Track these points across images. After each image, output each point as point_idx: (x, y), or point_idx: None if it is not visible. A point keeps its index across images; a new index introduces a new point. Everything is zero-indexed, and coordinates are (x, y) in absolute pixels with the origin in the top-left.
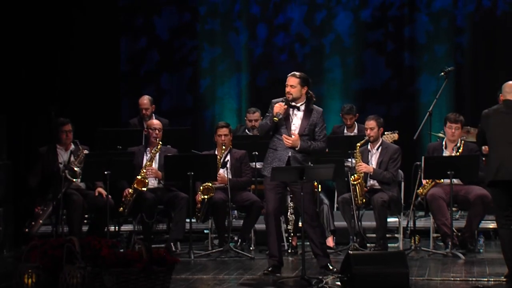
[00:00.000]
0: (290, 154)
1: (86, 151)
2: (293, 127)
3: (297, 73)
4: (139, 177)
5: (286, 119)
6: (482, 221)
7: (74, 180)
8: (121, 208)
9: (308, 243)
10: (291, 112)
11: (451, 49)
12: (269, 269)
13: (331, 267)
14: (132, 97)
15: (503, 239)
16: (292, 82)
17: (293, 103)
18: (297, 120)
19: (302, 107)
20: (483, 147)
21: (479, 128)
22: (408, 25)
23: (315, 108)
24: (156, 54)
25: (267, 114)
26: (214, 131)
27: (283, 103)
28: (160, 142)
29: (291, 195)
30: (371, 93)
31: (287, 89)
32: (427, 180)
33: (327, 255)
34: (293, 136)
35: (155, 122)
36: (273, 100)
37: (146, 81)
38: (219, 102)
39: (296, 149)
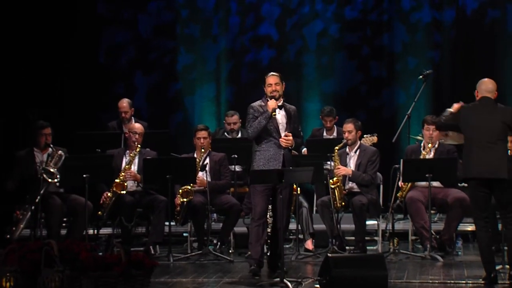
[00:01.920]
0: (283, 152)
1: (61, 152)
2: (280, 126)
3: (275, 72)
4: (118, 180)
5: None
6: (461, 224)
7: (50, 180)
8: (100, 211)
9: (288, 245)
10: (276, 111)
11: (422, 63)
12: (252, 268)
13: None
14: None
15: (481, 242)
16: (276, 80)
17: (278, 102)
18: (282, 118)
19: (283, 105)
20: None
21: (453, 117)
22: (387, 32)
23: (290, 106)
24: (133, 50)
25: (251, 117)
26: (193, 134)
27: (275, 100)
28: (139, 145)
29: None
30: (337, 97)
31: (272, 87)
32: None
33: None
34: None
35: (137, 126)
36: (252, 104)
37: (119, 77)
38: (197, 105)
39: (291, 147)
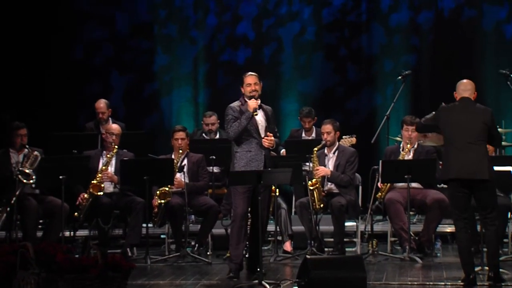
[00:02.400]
0: (264, 153)
1: (36, 153)
2: (260, 126)
3: (253, 72)
4: (94, 181)
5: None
6: (439, 225)
7: (26, 181)
8: (76, 213)
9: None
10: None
11: (398, 67)
12: (231, 274)
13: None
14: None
15: (460, 243)
16: (255, 80)
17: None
18: (261, 118)
19: (261, 105)
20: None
21: (433, 118)
22: (365, 33)
23: (266, 106)
24: (111, 49)
25: (231, 118)
26: (171, 135)
27: (255, 100)
28: (116, 146)
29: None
30: (314, 97)
31: (251, 87)
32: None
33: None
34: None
35: (114, 127)
36: (230, 105)
37: (95, 75)
38: (175, 105)
39: (272, 148)
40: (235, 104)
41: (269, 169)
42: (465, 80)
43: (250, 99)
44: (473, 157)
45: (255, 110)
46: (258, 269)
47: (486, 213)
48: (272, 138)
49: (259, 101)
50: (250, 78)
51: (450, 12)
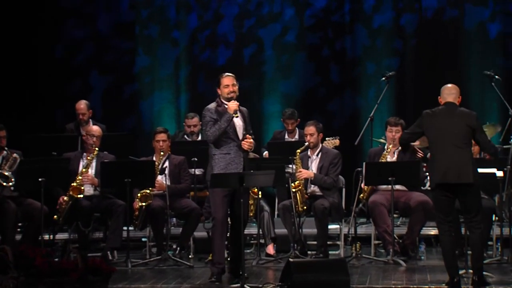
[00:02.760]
0: (243, 156)
1: (16, 155)
2: (238, 128)
3: (230, 73)
4: (74, 184)
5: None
6: (423, 228)
7: (4, 184)
8: (56, 216)
9: (249, 250)
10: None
11: (379, 69)
12: (214, 277)
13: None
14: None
15: (444, 246)
16: (233, 81)
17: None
18: (239, 120)
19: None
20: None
21: (417, 125)
22: (349, 34)
23: (242, 108)
24: (92, 48)
25: (209, 120)
26: (152, 137)
27: (235, 102)
28: (97, 148)
29: None
30: (295, 98)
31: (229, 88)
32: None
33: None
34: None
35: (95, 129)
36: (208, 107)
37: (75, 75)
38: (156, 107)
39: (251, 150)
40: (212, 106)
41: (252, 171)
42: (449, 85)
43: (228, 100)
44: (458, 161)
45: (235, 112)
46: (241, 273)
47: (471, 217)
48: (251, 140)
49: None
50: (228, 79)
51: (433, 13)
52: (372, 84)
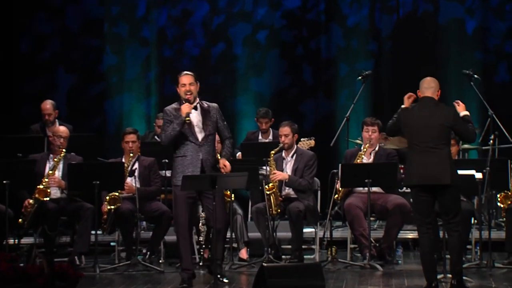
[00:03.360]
0: (201, 157)
1: None
2: (196, 128)
3: (189, 72)
4: (40, 186)
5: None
6: (401, 231)
7: None
8: (21, 219)
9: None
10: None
11: (352, 72)
12: (184, 285)
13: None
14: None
15: (422, 248)
16: (190, 79)
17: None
18: (197, 119)
19: (198, 106)
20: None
21: (396, 118)
22: (324, 34)
23: (210, 104)
24: (59, 44)
25: (165, 122)
26: (121, 138)
27: (188, 103)
28: (64, 150)
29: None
30: (268, 98)
31: (186, 88)
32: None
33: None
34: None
35: (62, 129)
36: (166, 108)
37: (40, 71)
38: (126, 107)
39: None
40: (171, 106)
41: (225, 173)
42: (428, 78)
43: (185, 102)
44: (434, 162)
45: (187, 115)
46: (219, 276)
47: (449, 218)
48: (228, 164)
49: (196, 100)
50: (185, 78)
51: (408, 10)
52: (346, 86)
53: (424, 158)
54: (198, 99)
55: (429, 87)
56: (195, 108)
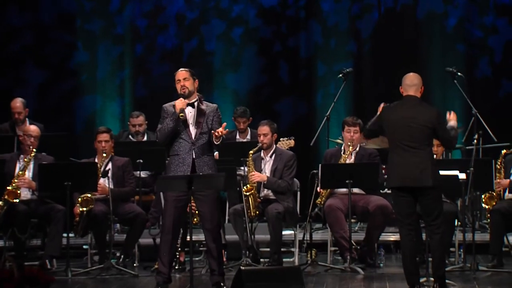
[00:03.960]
0: (194, 156)
1: None
2: (191, 126)
3: (184, 68)
4: (10, 187)
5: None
6: (383, 234)
7: None
8: None
9: (198, 258)
10: (185, 110)
11: (330, 73)
12: (158, 285)
13: (222, 285)
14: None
15: (404, 251)
16: (185, 75)
17: (188, 100)
18: (192, 117)
19: (195, 104)
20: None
21: (378, 117)
22: (303, 31)
23: (209, 104)
24: (30, 38)
25: (162, 119)
26: (94, 137)
27: (183, 99)
28: (35, 150)
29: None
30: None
31: (181, 83)
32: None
33: (222, 273)
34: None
35: (32, 128)
36: (164, 105)
37: (8, 65)
38: (99, 105)
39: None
40: (170, 103)
41: (200, 173)
42: (411, 74)
43: (181, 96)
44: (416, 163)
45: (181, 110)
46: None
47: (430, 220)
48: (221, 131)
49: (195, 97)
50: (180, 74)
51: (389, 9)
52: (324, 85)
53: (405, 158)
54: (197, 96)
55: (412, 84)
56: (192, 105)
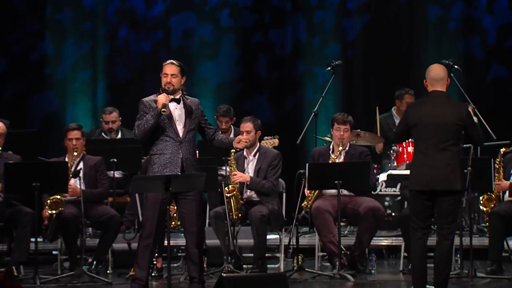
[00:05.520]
0: (181, 156)
1: None
2: (178, 124)
3: (175, 61)
4: None
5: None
6: (374, 238)
7: None
8: None
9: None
10: (170, 107)
11: (309, 73)
12: None
13: None
14: None
15: (415, 256)
16: (173, 70)
17: (172, 96)
18: (180, 114)
19: (181, 99)
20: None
21: (403, 120)
22: (290, 23)
23: (191, 98)
24: None
25: (141, 114)
26: (64, 135)
27: (167, 95)
28: (0, 148)
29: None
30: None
31: (167, 79)
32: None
33: (202, 281)
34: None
35: None
36: (143, 99)
37: None
38: (69, 100)
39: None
40: (150, 98)
41: (179, 174)
42: (435, 65)
43: (164, 91)
44: (444, 165)
45: (164, 106)
46: None
47: (444, 223)
48: (244, 137)
49: (179, 94)
50: (168, 68)
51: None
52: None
53: (432, 160)
54: (181, 93)
55: (438, 78)
56: (178, 101)
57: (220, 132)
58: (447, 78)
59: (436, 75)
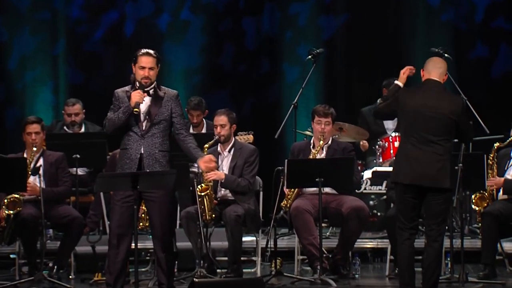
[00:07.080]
0: (142, 151)
1: None
2: (142, 117)
3: (152, 51)
4: None
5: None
6: (358, 240)
7: None
8: None
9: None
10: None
11: (295, 70)
12: None
13: None
14: None
15: (401, 258)
16: (151, 63)
17: (145, 94)
18: (146, 106)
19: (151, 92)
20: (362, 142)
21: (394, 98)
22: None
23: (168, 90)
24: None
25: (112, 107)
26: (22, 128)
27: (141, 90)
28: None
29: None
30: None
31: (145, 72)
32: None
33: (172, 286)
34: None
35: None
36: (116, 91)
37: None
38: (28, 92)
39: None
40: (122, 89)
41: (147, 171)
42: (436, 58)
43: (139, 87)
44: (434, 160)
45: (137, 105)
46: None
47: (433, 224)
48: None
49: (150, 88)
50: (145, 60)
51: None
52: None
53: (421, 153)
54: (155, 84)
55: (435, 67)
56: (148, 92)
57: (191, 126)
58: (446, 72)
59: (434, 64)
